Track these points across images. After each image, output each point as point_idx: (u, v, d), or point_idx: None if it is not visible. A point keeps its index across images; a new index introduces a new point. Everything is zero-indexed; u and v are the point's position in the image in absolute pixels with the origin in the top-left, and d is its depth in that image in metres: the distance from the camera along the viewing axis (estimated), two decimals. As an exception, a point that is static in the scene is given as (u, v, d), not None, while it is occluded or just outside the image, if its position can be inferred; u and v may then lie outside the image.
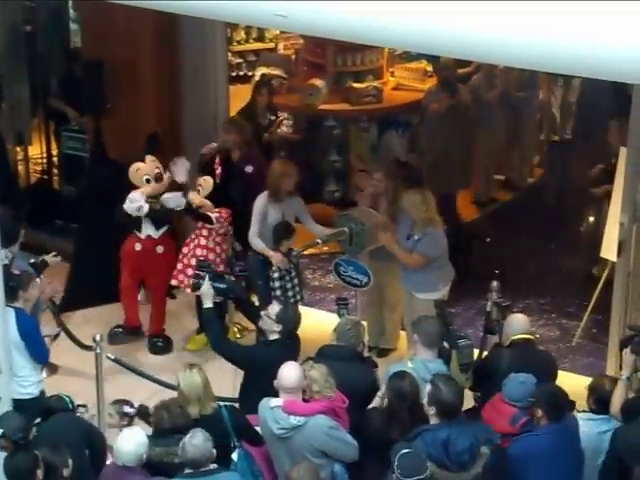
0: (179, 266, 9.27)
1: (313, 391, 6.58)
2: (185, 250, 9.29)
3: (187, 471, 6.17)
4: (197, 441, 6.14)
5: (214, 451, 6.20)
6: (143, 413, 6.82)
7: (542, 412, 6.43)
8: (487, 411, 6.72)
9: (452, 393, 6.25)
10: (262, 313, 7.36)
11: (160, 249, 9.36)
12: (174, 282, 9.35)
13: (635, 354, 6.77)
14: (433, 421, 6.31)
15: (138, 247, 9.34)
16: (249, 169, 9.52)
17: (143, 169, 9.23)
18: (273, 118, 10.92)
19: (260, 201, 9.02)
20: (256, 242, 8.95)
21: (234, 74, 13.19)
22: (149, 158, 9.27)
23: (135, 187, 9.21)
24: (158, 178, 9.23)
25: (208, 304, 7.45)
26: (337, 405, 6.64)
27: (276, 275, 8.90)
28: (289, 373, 6.53)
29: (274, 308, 7.31)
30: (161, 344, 9.56)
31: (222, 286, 7.52)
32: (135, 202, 9.13)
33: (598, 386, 6.69)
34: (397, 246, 8.67)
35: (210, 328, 7.48)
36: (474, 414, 6.83)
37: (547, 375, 6.95)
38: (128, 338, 9.55)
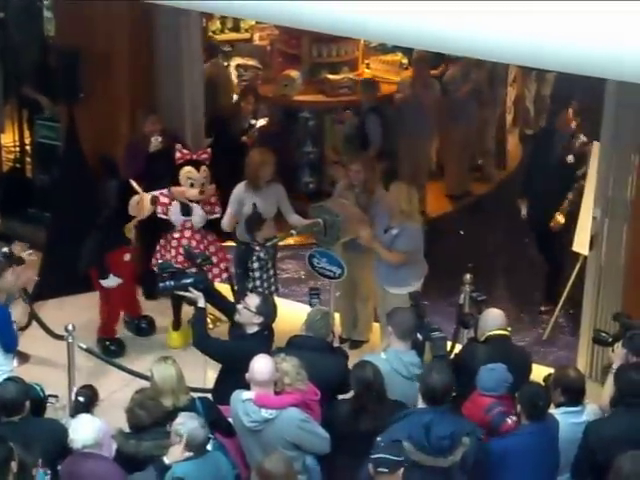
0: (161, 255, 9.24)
1: (285, 384, 6.58)
2: (163, 242, 9.24)
3: (188, 454, 6.16)
4: (198, 423, 6.15)
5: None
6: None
7: (523, 411, 6.46)
8: (467, 407, 6.74)
9: (439, 380, 6.26)
10: (239, 306, 7.27)
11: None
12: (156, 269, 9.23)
13: (628, 349, 6.82)
14: (421, 405, 6.33)
15: (127, 257, 9.25)
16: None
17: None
18: (254, 122, 10.88)
19: (238, 189, 9.00)
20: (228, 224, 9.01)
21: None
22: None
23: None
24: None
25: (201, 304, 7.37)
26: (309, 398, 6.65)
27: (256, 265, 8.89)
28: (261, 366, 6.52)
29: (254, 300, 7.24)
30: (145, 325, 9.59)
31: (187, 281, 7.46)
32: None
33: (563, 376, 6.69)
34: (378, 243, 8.69)
35: (197, 326, 7.36)
36: (455, 408, 6.84)
37: (522, 371, 6.96)
38: (120, 351, 9.38)
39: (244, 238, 9.07)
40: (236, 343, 7.28)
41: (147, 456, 6.34)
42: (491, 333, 7.19)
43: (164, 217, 9.19)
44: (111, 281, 9.08)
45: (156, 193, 9.14)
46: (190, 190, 9.10)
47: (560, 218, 9.55)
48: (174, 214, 9.15)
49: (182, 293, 7.52)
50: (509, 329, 7.34)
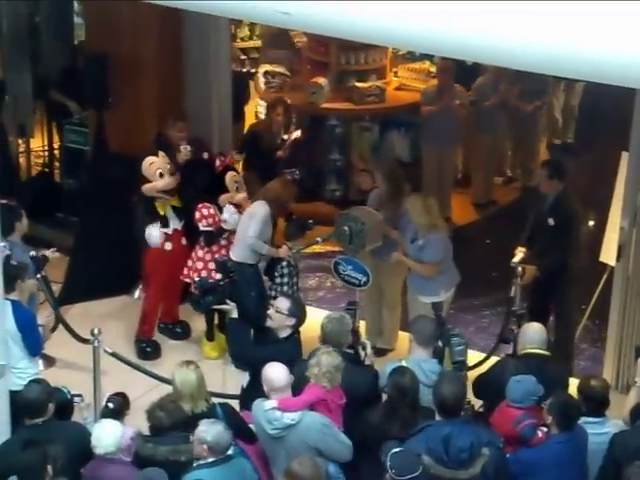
0: (197, 265, 9.22)
1: (312, 373, 6.58)
2: (202, 253, 9.20)
3: (210, 460, 6.17)
4: (220, 427, 6.17)
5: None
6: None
7: (553, 421, 6.44)
8: (495, 418, 6.73)
9: (449, 392, 6.26)
10: (270, 311, 7.28)
11: (184, 240, 9.36)
12: (188, 280, 9.20)
13: None
14: (438, 418, 6.32)
15: (168, 246, 9.27)
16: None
17: (156, 163, 9.18)
18: (286, 137, 10.79)
19: (265, 210, 8.90)
20: (261, 245, 8.88)
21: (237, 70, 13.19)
22: (160, 153, 9.24)
23: (147, 180, 9.14)
24: (172, 173, 9.20)
25: (235, 314, 7.48)
26: (332, 399, 6.64)
27: (286, 271, 8.92)
28: (277, 374, 6.54)
29: (284, 303, 7.27)
30: (180, 330, 9.63)
31: (224, 294, 7.65)
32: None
33: (586, 386, 6.68)
34: (408, 260, 8.70)
35: (232, 338, 7.46)
36: (483, 421, 6.81)
37: (557, 386, 6.85)
38: (156, 352, 9.43)
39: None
40: (272, 348, 7.20)
41: (163, 460, 6.34)
42: (528, 350, 7.10)
43: (209, 229, 9.11)
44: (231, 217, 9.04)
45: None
46: (238, 194, 9.15)
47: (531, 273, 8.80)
48: (230, 216, 9.12)
49: (218, 307, 7.69)
50: (549, 349, 7.20)
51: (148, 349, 9.40)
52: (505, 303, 8.94)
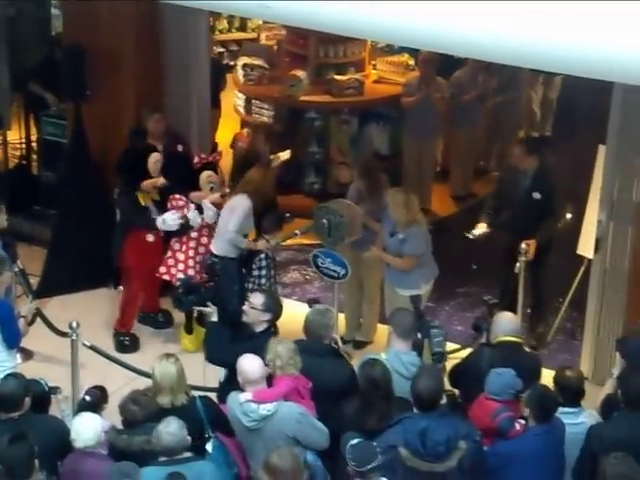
0: (174, 262, 9.21)
1: (276, 366, 6.61)
2: (178, 246, 9.22)
3: (162, 459, 6.18)
4: (172, 429, 6.15)
5: (189, 438, 6.21)
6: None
7: (531, 413, 6.47)
8: (473, 410, 6.74)
9: (424, 386, 6.28)
10: (245, 307, 7.29)
11: (162, 232, 9.35)
12: (167, 277, 9.25)
13: (619, 353, 6.86)
14: (416, 410, 6.34)
15: (150, 238, 9.26)
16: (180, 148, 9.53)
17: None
18: (272, 157, 10.68)
19: (247, 203, 8.90)
20: (240, 239, 8.88)
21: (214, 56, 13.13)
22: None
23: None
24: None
25: (214, 318, 7.48)
26: (300, 385, 6.66)
27: (264, 264, 8.89)
28: (251, 366, 6.55)
29: (258, 298, 7.26)
30: (162, 319, 9.63)
31: (207, 296, 7.66)
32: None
33: (561, 377, 6.72)
34: (387, 256, 8.71)
35: (209, 341, 7.43)
36: (460, 411, 6.83)
37: (532, 377, 6.89)
38: (134, 346, 9.41)
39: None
40: (248, 344, 7.17)
41: (138, 451, 6.33)
42: (502, 339, 7.15)
43: (180, 221, 9.10)
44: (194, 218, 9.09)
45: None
46: (211, 194, 9.11)
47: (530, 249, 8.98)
48: (193, 215, 9.12)
49: (199, 308, 7.72)
50: (522, 336, 7.29)
51: (126, 342, 9.38)
52: (505, 282, 9.19)
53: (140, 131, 9.66)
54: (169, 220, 9.05)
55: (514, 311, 8.78)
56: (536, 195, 8.99)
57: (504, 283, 9.34)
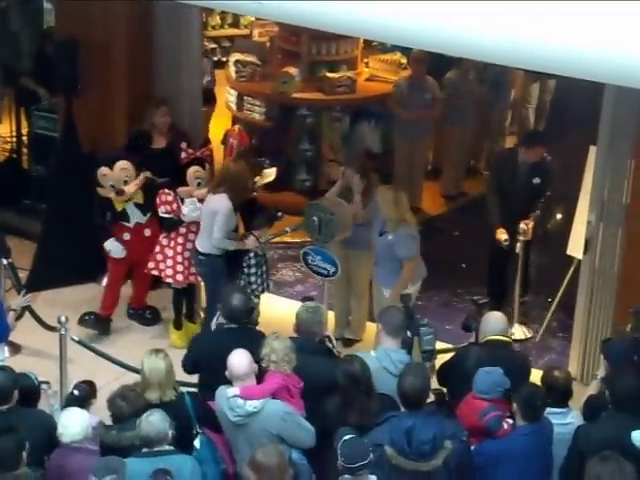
0: (162, 258, 9.20)
1: (270, 361, 6.61)
2: (166, 242, 9.21)
3: (144, 450, 6.18)
4: (153, 419, 6.15)
5: (170, 432, 6.21)
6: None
7: (519, 412, 6.48)
8: (461, 409, 6.74)
9: (410, 384, 6.28)
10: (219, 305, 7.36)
11: (148, 232, 9.33)
12: (156, 272, 9.25)
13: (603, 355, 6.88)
14: (403, 409, 6.34)
15: (127, 237, 9.28)
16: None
17: (109, 176, 9.14)
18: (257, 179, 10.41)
19: (227, 205, 8.73)
20: (227, 243, 8.80)
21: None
22: (120, 165, 9.15)
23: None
24: (125, 185, 9.14)
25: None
26: (291, 383, 6.66)
27: (253, 262, 8.86)
28: (239, 361, 6.55)
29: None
30: (150, 315, 9.65)
31: None
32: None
33: (549, 377, 6.73)
34: (401, 281, 8.55)
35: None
36: (447, 410, 6.84)
37: (520, 376, 6.89)
38: (97, 325, 9.44)
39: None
40: (215, 339, 7.27)
41: (129, 445, 6.32)
42: (490, 337, 7.16)
43: (168, 216, 9.10)
44: (115, 249, 9.16)
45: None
46: (198, 190, 9.08)
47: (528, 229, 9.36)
48: (188, 210, 9.05)
49: None
50: (511, 336, 7.31)
51: (148, 315, 9.60)
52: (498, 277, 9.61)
53: (143, 134, 9.59)
54: (188, 211, 9.02)
55: (505, 300, 8.97)
56: (536, 180, 9.42)
57: (497, 276, 9.65)
